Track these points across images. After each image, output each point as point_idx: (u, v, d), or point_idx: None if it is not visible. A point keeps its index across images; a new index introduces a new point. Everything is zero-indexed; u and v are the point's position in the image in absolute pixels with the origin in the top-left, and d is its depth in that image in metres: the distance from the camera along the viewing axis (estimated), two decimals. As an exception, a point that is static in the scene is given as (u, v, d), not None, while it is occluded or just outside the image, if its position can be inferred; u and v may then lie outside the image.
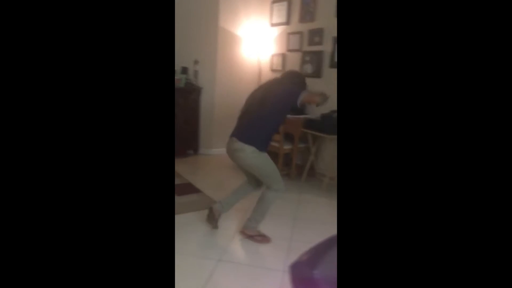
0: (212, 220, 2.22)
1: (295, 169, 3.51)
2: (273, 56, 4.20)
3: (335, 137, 3.09)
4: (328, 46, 3.44)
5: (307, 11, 3.65)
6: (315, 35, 3.57)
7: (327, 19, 3.42)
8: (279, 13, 4.04)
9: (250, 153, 1.94)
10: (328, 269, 0.75)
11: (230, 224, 2.38)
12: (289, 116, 3.39)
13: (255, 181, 2.21)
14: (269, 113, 1.98)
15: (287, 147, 3.45)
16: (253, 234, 2.15)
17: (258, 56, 4.22)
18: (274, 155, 3.65)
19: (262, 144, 1.98)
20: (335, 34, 3.31)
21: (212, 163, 3.92)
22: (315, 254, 0.81)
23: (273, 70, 4.23)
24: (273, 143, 3.48)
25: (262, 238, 2.16)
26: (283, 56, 4.06)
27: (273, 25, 4.17)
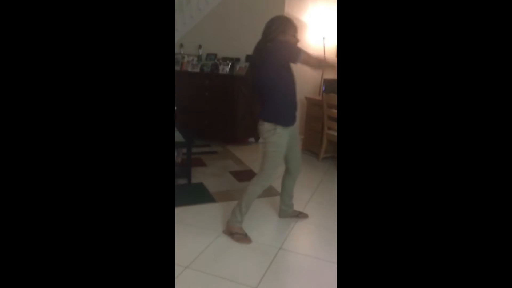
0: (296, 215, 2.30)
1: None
2: (339, 42, 4.01)
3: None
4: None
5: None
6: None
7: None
8: (348, -4, 3.82)
9: (265, 128, 1.83)
10: None
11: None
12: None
13: (290, 161, 2.10)
14: (268, 81, 1.79)
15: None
16: (234, 231, 1.98)
17: (323, 42, 4.06)
18: (333, 144, 3.54)
19: (273, 118, 1.81)
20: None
21: (273, 151, 3.93)
22: None
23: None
24: (333, 132, 3.36)
25: (242, 238, 1.96)
26: (350, 42, 3.85)
27: (340, 9, 3.97)
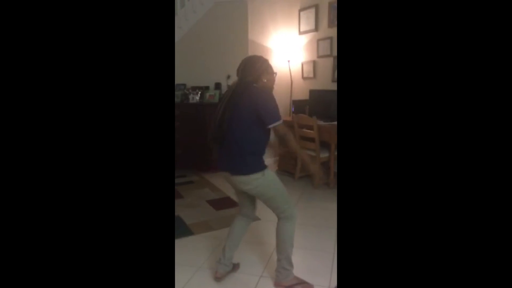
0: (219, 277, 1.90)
1: (334, 178, 3.42)
2: (303, 63, 4.16)
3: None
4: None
5: (336, 16, 3.59)
6: (346, 39, 3.49)
7: (357, 21, 3.33)
8: (307, 21, 4.01)
9: (251, 179, 1.63)
10: None
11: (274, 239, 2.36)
12: (322, 123, 3.32)
13: (249, 207, 1.90)
14: (241, 133, 1.61)
15: (324, 155, 3.38)
16: (291, 284, 1.79)
17: (289, 65, 4.20)
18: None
19: (256, 164, 1.64)
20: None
21: (250, 175, 3.93)
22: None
23: (304, 78, 4.19)
24: (310, 152, 3.42)
25: (304, 286, 1.81)
26: (314, 63, 4.01)
27: (301, 33, 4.14)
